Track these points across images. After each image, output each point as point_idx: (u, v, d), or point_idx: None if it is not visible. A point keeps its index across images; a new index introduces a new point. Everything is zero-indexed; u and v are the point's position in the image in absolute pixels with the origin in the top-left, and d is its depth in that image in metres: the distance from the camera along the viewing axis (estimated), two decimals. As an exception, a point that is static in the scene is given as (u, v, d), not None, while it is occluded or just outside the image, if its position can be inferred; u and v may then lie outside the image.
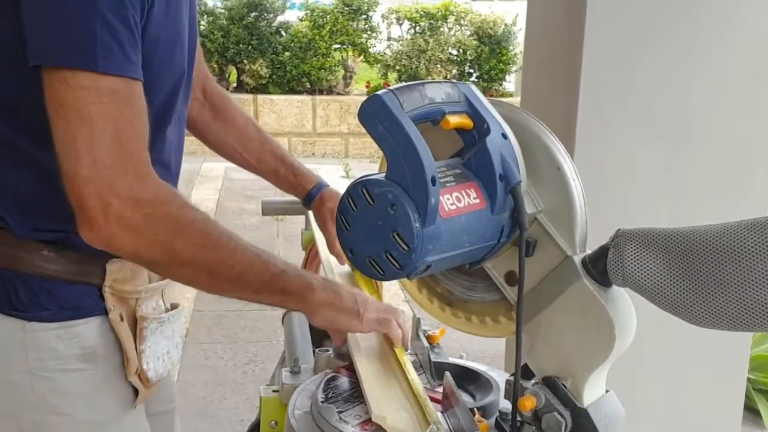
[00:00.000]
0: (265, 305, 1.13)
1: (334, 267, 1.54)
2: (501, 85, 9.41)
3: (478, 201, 0.91)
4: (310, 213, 1.77)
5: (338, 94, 9.01)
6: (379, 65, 9.35)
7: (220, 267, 1.03)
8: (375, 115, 0.85)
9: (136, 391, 1.22)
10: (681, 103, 1.80)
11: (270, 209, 2.10)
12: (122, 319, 1.17)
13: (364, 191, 0.87)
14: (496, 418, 1.03)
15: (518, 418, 0.96)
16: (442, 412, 1.10)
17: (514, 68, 9.21)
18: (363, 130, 0.86)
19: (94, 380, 1.16)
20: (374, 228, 0.87)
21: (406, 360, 1.16)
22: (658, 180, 1.80)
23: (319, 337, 1.45)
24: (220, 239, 1.03)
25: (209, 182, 6.95)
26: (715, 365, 1.87)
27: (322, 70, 8.85)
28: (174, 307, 1.30)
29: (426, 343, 1.25)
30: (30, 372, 1.13)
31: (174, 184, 1.23)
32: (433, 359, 1.21)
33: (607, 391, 0.97)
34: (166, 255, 1.00)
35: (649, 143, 1.80)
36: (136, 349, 1.18)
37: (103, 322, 1.16)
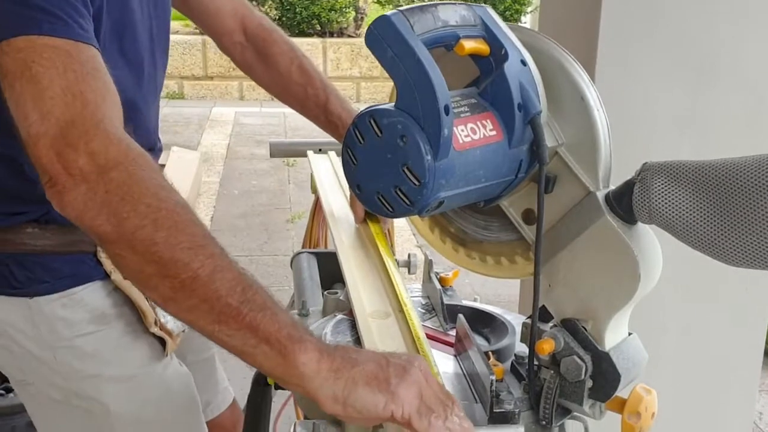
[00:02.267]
0: (248, 307, 0.79)
1: (337, 221, 1.41)
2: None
3: (494, 133, 0.85)
4: (311, 156, 1.72)
5: (349, 36, 8.84)
6: (391, 6, 9.15)
7: (170, 258, 0.79)
8: (383, 39, 0.79)
9: (163, 341, 1.23)
10: (706, 40, 1.72)
11: (278, 151, 2.04)
12: None
13: (372, 122, 0.81)
14: (512, 362, 0.99)
15: (535, 362, 0.92)
16: (455, 356, 1.06)
17: (529, 9, 8.99)
18: (375, 73, 0.80)
19: (112, 338, 1.17)
20: (383, 162, 0.81)
21: (407, 300, 1.10)
22: (681, 119, 1.73)
23: (329, 280, 1.41)
24: (180, 224, 0.82)
25: (219, 127, 6.88)
26: (734, 310, 1.82)
27: (333, 12, 8.67)
28: None
29: (438, 286, 1.21)
30: (49, 345, 1.16)
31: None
32: (445, 302, 1.17)
33: (629, 334, 0.92)
34: (111, 220, 0.81)
35: (673, 81, 1.72)
36: (152, 304, 1.18)
37: (105, 284, 1.18)
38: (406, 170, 0.80)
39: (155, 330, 1.20)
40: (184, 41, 7.99)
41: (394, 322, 1.04)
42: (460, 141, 0.81)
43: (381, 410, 0.75)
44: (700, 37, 1.72)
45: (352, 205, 1.36)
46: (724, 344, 1.82)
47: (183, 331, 1.27)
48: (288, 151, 2.12)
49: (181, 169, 4.67)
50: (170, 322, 1.22)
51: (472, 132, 0.83)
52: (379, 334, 1.00)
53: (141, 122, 1.17)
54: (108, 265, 1.17)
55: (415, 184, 0.80)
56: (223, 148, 6.24)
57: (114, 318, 1.18)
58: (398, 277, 1.15)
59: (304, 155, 2.01)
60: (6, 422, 1.96)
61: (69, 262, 1.15)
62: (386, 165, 0.81)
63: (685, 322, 1.80)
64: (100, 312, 1.17)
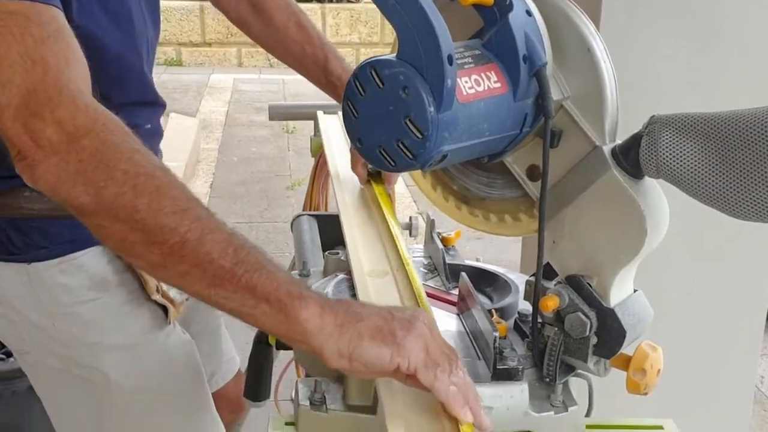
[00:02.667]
0: (242, 277, 0.76)
1: (342, 182, 1.41)
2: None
3: (499, 85, 0.83)
4: (320, 116, 1.69)
5: (349, 1, 8.73)
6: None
7: (155, 225, 0.77)
8: (385, -14, 0.76)
9: (165, 309, 1.21)
10: (711, 4, 1.69)
11: (277, 114, 2.02)
12: None
13: (373, 73, 0.79)
14: (516, 320, 0.98)
15: (539, 319, 0.91)
16: (458, 314, 1.05)
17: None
18: (374, 39, 0.78)
19: (113, 306, 1.15)
20: (384, 114, 0.79)
21: (408, 257, 1.08)
22: (685, 83, 1.70)
23: (330, 243, 1.40)
24: (163, 187, 0.79)
25: (218, 94, 6.83)
26: (737, 269, 1.81)
27: (332, -23, 8.57)
28: None
29: (440, 245, 1.19)
30: (48, 312, 1.13)
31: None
32: (447, 261, 1.16)
33: (635, 291, 0.91)
34: (89, 190, 0.78)
35: (677, 41, 1.69)
36: None
37: (106, 250, 1.14)
38: (408, 123, 0.78)
39: (157, 297, 1.18)
40: (182, 7, 7.90)
41: (391, 280, 1.02)
42: (464, 93, 0.79)
43: (387, 363, 0.74)
44: (704, 2, 1.69)
45: (353, 167, 1.33)
46: (727, 305, 1.82)
47: (186, 299, 1.25)
48: (287, 115, 2.09)
49: (179, 135, 4.65)
50: (173, 291, 1.21)
51: (476, 84, 0.81)
52: (376, 293, 0.98)
53: (135, 77, 1.14)
54: None
55: (417, 136, 0.78)
56: (222, 115, 6.20)
57: (115, 285, 1.16)
58: (400, 236, 1.13)
59: (304, 119, 1.98)
60: (6, 386, 1.96)
61: (68, 226, 1.10)
62: (388, 117, 0.79)
63: (690, 280, 1.79)
64: (101, 278, 1.14)
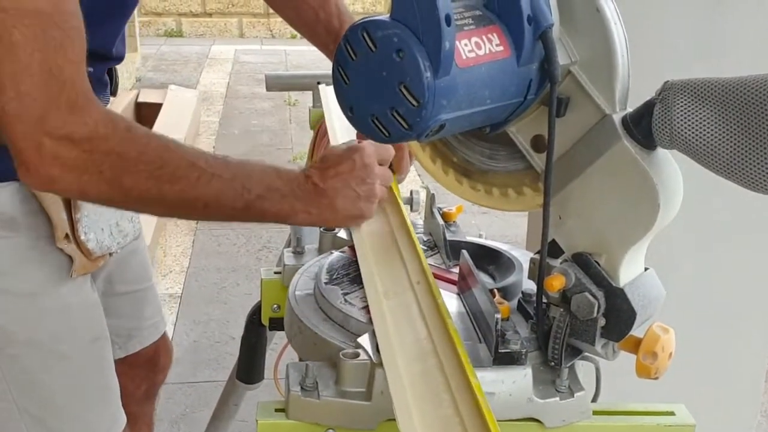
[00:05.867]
0: None
1: None
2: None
3: (501, 48, 0.77)
4: (320, 88, 1.62)
5: (351, -28, 8.61)
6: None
7: (180, 200, 0.91)
8: (377, -60, 0.70)
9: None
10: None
11: (275, 84, 1.96)
12: None
13: (365, 35, 0.73)
14: (519, 300, 0.94)
15: (544, 300, 0.86)
16: (458, 294, 1.00)
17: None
18: (379, 9, 0.71)
19: (17, 248, 1.06)
20: (377, 80, 0.73)
21: (414, 234, 1.03)
22: (698, 45, 1.63)
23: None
24: (178, 169, 0.90)
25: (219, 65, 6.75)
26: (748, 248, 1.76)
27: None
28: None
29: (441, 221, 1.14)
30: None
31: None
32: (448, 238, 1.10)
33: (646, 269, 0.86)
34: (116, 192, 0.89)
35: (690, 5, 1.63)
36: (71, 218, 1.08)
37: (23, 188, 1.05)
38: (403, 89, 0.72)
39: (63, 245, 1.09)
40: (182, -23, 7.80)
41: (411, 296, 0.94)
42: (464, 57, 0.73)
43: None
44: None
45: None
46: (738, 284, 1.77)
47: (110, 254, 1.17)
48: (286, 85, 2.03)
49: (179, 107, 4.58)
50: (92, 242, 1.12)
51: (476, 47, 0.75)
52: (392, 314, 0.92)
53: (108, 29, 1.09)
54: None
55: (413, 104, 0.72)
56: (223, 86, 6.11)
57: (24, 227, 1.06)
58: (405, 211, 1.07)
59: (303, 89, 1.92)
60: None
61: None
62: (381, 84, 0.73)
63: (699, 259, 1.73)
64: (9, 217, 1.05)
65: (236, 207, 0.92)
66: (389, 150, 1.05)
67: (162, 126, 4.13)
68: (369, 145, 1.00)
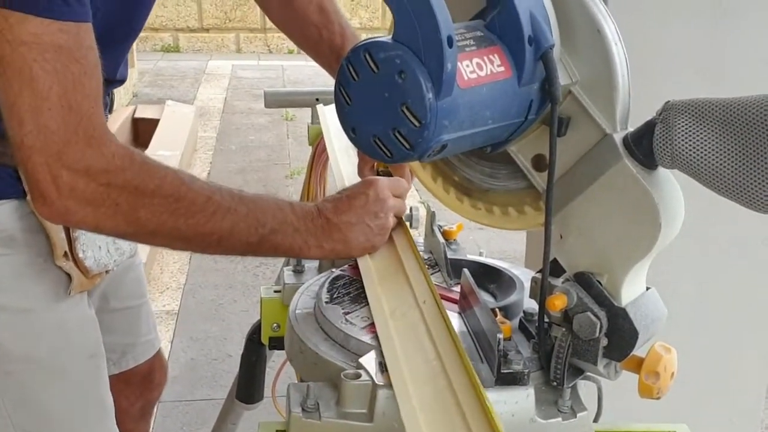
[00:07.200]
0: None
1: (343, 171, 1.34)
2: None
3: (502, 69, 0.77)
4: (318, 108, 1.62)
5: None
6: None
7: (195, 234, 0.92)
8: (379, -38, 0.70)
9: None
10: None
11: (274, 101, 1.96)
12: None
13: (367, 57, 0.73)
14: (521, 319, 0.93)
15: (545, 319, 0.85)
16: (459, 313, 0.99)
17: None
18: (375, 24, 0.74)
19: (15, 265, 1.07)
20: (379, 101, 0.73)
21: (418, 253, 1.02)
22: (698, 61, 1.64)
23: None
24: (194, 203, 0.91)
25: (216, 80, 6.76)
26: (749, 266, 1.76)
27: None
28: None
29: (441, 239, 1.14)
30: None
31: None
32: (449, 256, 1.10)
33: (647, 289, 0.86)
34: (131, 226, 0.90)
35: (690, 21, 1.64)
36: (69, 236, 1.08)
37: (22, 205, 1.06)
38: (405, 110, 0.72)
39: (62, 263, 1.10)
40: (179, -7, 7.83)
41: (417, 315, 0.93)
42: (465, 77, 0.74)
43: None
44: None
45: (360, 171, 1.24)
46: (739, 303, 1.76)
47: (107, 271, 1.18)
48: (285, 102, 2.03)
49: (176, 123, 4.58)
50: (89, 260, 1.13)
51: (478, 68, 0.75)
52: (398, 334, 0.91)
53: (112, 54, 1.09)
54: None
55: (415, 125, 0.72)
56: (220, 102, 6.13)
57: (23, 244, 1.07)
58: (425, 267, 1.06)
59: (302, 106, 1.92)
60: None
61: None
62: (383, 105, 0.73)
63: (701, 277, 1.73)
64: (8, 234, 1.06)
65: (250, 241, 0.93)
66: (403, 184, 1.07)
67: (159, 142, 4.13)
68: (383, 179, 1.02)
